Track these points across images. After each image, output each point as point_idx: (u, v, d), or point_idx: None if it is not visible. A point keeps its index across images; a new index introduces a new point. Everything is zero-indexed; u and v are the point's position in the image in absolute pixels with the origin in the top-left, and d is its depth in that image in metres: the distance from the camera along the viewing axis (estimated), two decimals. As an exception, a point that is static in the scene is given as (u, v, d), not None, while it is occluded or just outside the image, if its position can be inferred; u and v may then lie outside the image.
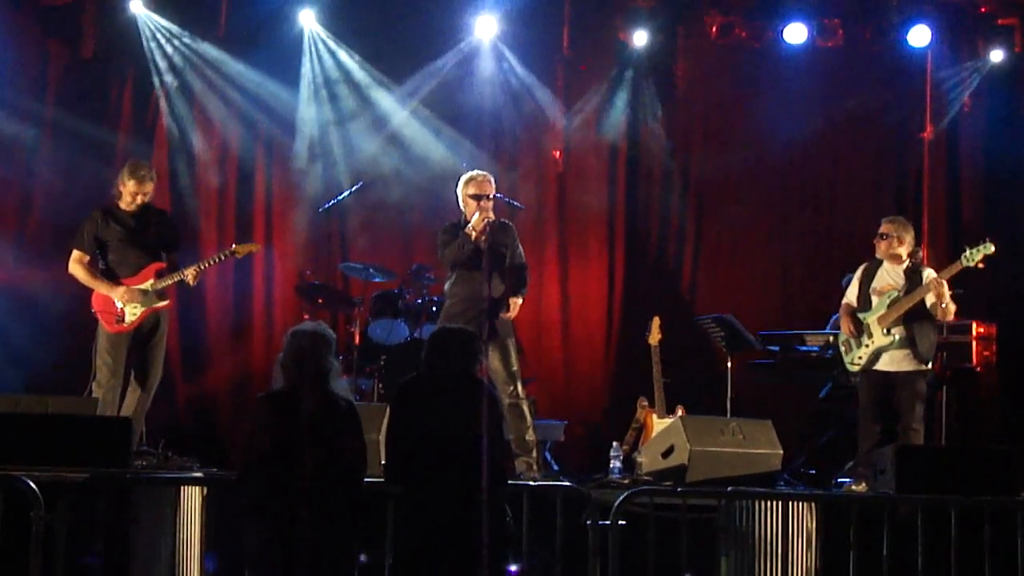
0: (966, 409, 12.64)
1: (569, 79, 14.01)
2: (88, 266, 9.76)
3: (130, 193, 9.72)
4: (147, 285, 9.70)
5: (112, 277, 9.72)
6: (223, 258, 10.15)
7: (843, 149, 13.94)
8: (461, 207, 9.81)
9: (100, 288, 9.70)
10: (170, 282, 9.80)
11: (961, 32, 13.78)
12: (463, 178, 9.87)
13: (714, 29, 13.90)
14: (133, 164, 9.92)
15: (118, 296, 9.62)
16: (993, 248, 9.54)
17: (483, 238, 9.54)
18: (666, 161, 14.05)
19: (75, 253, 9.78)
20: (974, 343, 11.52)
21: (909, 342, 9.71)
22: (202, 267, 9.92)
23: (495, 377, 9.56)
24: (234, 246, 10.18)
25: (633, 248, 14.00)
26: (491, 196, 9.74)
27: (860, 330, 9.90)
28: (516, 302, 9.79)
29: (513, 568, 7.69)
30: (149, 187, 9.81)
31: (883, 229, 10.00)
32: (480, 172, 9.94)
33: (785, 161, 13.71)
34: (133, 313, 9.66)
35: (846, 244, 13.81)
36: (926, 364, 9.79)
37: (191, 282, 9.87)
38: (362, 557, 7.26)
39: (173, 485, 8.04)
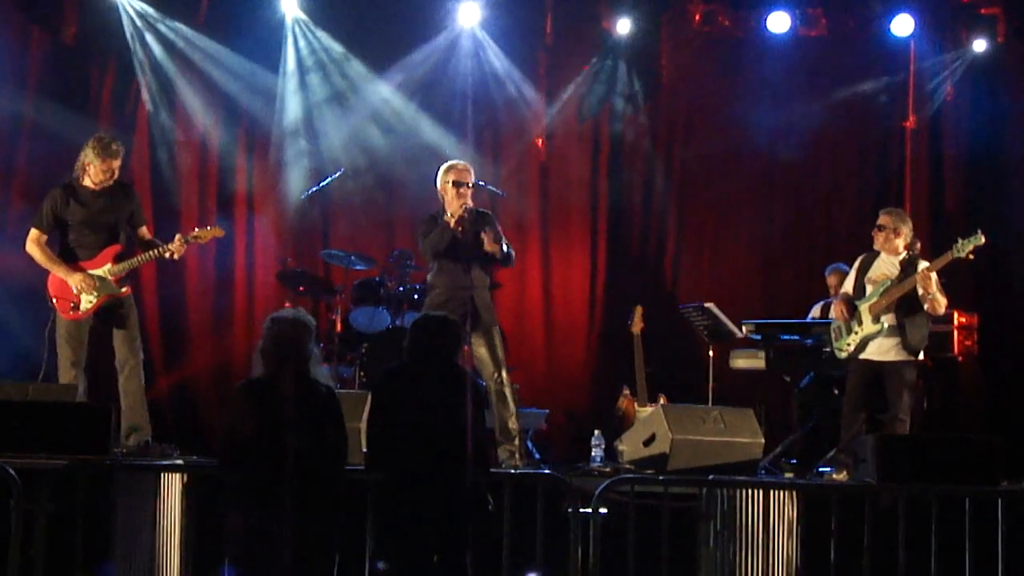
0: (947, 398, 12.68)
1: (552, 67, 14.00)
2: (45, 246, 9.46)
3: (101, 171, 9.37)
4: (104, 270, 9.40)
5: (69, 258, 9.44)
6: (184, 244, 9.66)
7: (826, 138, 13.93)
8: (440, 196, 9.81)
9: (57, 271, 9.38)
10: (128, 267, 9.53)
11: (944, 22, 13.78)
12: (443, 167, 9.88)
13: (697, 18, 13.89)
14: (100, 140, 9.50)
15: (75, 282, 9.32)
16: (984, 239, 9.57)
17: (459, 228, 9.54)
18: (649, 150, 14.04)
19: (33, 232, 9.47)
20: (956, 333, 11.53)
21: (899, 331, 9.73)
22: (147, 257, 9.60)
23: (481, 365, 9.58)
24: (196, 230, 9.79)
25: (616, 237, 13.99)
26: (470, 184, 9.75)
27: (852, 316, 9.93)
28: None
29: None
30: (118, 162, 9.47)
31: (881, 221, 10.02)
32: (460, 161, 9.97)
33: (768, 150, 13.69)
34: (89, 301, 9.37)
35: (829, 233, 13.85)
36: (916, 355, 9.79)
37: (175, 256, 9.60)
38: (379, 564, 7.24)
39: (154, 472, 8.04)
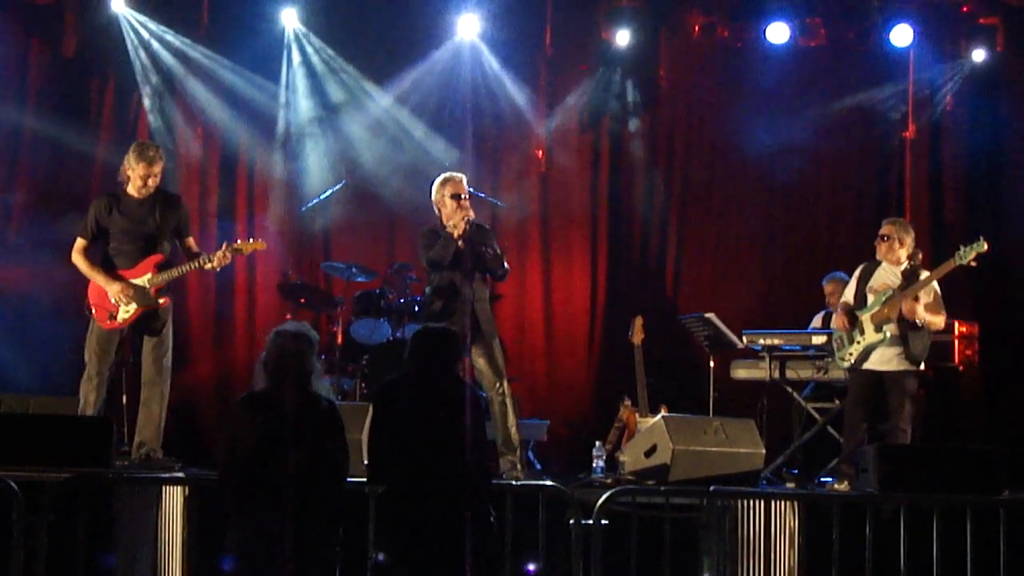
0: (948, 408, 12.68)
1: (551, 79, 14.00)
2: (87, 254, 9.45)
3: (140, 177, 9.36)
4: (144, 280, 9.39)
5: (109, 267, 9.43)
6: (233, 255, 9.71)
7: (826, 148, 13.90)
8: (436, 209, 9.80)
9: (98, 279, 9.37)
10: (168, 277, 9.48)
11: (943, 32, 13.77)
12: (439, 179, 9.86)
13: (696, 29, 13.90)
14: (139, 145, 9.54)
15: (114, 292, 9.31)
16: (987, 246, 9.59)
17: (462, 240, 9.55)
18: (648, 161, 14.04)
19: (78, 241, 9.49)
20: (956, 342, 11.52)
21: (901, 341, 9.72)
22: (234, 251, 9.59)
23: (481, 376, 9.58)
24: (238, 242, 9.80)
25: (616, 248, 13.98)
26: (467, 195, 9.76)
27: (853, 326, 9.94)
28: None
29: (531, 567, 7.72)
30: (159, 168, 9.45)
31: (884, 230, 10.02)
32: (456, 173, 9.96)
33: (767, 160, 13.66)
34: (126, 311, 9.37)
35: (829, 243, 13.83)
36: (918, 365, 9.80)
37: (216, 267, 9.58)
38: (380, 556, 7.24)
39: (155, 485, 8.04)
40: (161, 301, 9.52)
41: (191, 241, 9.76)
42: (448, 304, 9.59)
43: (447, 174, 9.92)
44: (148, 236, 9.51)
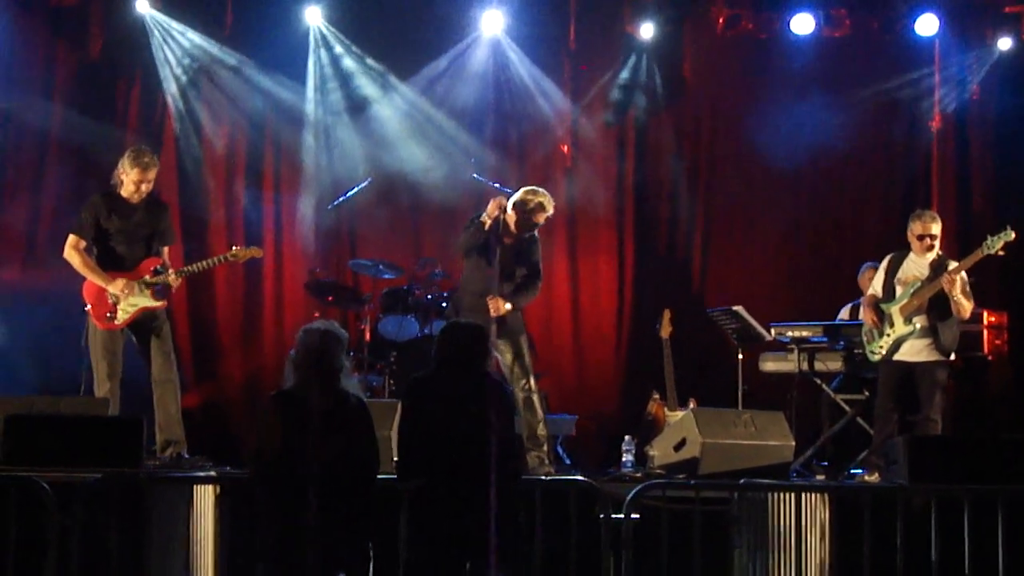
0: (978, 398, 12.63)
1: (576, 73, 13.99)
2: (85, 253, 9.41)
3: (133, 182, 9.36)
4: (141, 282, 9.42)
5: (107, 268, 9.41)
6: (221, 261, 9.87)
7: (851, 138, 13.86)
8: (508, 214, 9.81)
9: (96, 279, 9.36)
10: (163, 279, 9.48)
11: (969, 20, 13.72)
12: (530, 192, 9.79)
13: (721, 21, 13.88)
14: (135, 151, 9.51)
15: (117, 288, 9.30)
16: (1014, 235, 9.57)
17: (505, 240, 9.52)
18: (674, 154, 14.02)
19: (72, 238, 9.43)
20: (985, 332, 11.48)
21: (931, 332, 9.72)
22: (190, 270, 9.70)
23: (507, 372, 9.58)
24: (235, 249, 9.83)
25: (643, 241, 13.97)
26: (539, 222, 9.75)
27: (882, 319, 9.92)
28: (499, 302, 9.73)
29: None
30: (152, 174, 9.46)
31: (935, 230, 9.93)
32: (545, 198, 9.80)
33: (793, 152, 13.61)
34: (126, 311, 9.36)
35: (856, 234, 13.79)
36: (947, 356, 9.78)
37: (173, 285, 9.58)
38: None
39: (186, 484, 8.06)
40: (160, 303, 9.55)
41: (166, 253, 9.75)
42: (477, 296, 9.60)
43: (541, 196, 9.82)
44: (145, 239, 9.56)
